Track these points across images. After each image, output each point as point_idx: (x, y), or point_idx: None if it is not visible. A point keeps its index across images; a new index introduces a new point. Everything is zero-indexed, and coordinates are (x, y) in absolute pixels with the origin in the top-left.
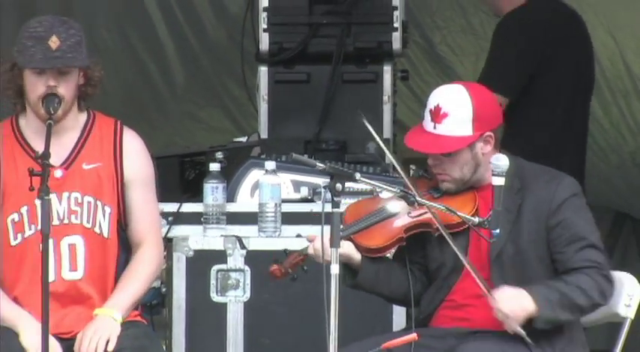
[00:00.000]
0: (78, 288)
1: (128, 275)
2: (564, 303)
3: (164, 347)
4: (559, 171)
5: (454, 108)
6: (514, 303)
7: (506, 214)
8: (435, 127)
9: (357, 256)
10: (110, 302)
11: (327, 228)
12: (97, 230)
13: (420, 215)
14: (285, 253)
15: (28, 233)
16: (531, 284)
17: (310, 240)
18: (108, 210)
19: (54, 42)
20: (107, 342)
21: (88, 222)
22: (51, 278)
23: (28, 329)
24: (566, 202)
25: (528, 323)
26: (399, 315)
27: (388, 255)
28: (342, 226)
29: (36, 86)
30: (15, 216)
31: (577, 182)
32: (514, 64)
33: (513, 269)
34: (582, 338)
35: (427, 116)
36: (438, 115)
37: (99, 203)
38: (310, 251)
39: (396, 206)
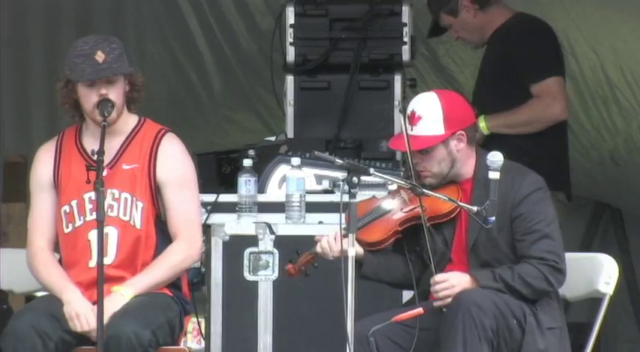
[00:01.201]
0: (106, 272)
1: (153, 262)
2: (506, 290)
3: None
4: (527, 168)
5: (426, 112)
6: (448, 291)
7: (481, 195)
8: (412, 129)
9: (360, 251)
10: (129, 281)
11: (337, 227)
12: (131, 222)
13: (412, 209)
14: (298, 253)
15: (77, 223)
16: (501, 264)
17: (317, 241)
18: (140, 204)
19: (100, 56)
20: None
21: (124, 215)
22: (92, 263)
23: (71, 300)
24: (528, 197)
25: None
26: (408, 292)
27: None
28: (344, 225)
29: (89, 96)
30: (66, 208)
31: (541, 178)
32: (551, 45)
33: (487, 254)
34: (557, 304)
35: (406, 121)
36: (413, 119)
37: (134, 199)
38: (318, 249)
39: (390, 204)
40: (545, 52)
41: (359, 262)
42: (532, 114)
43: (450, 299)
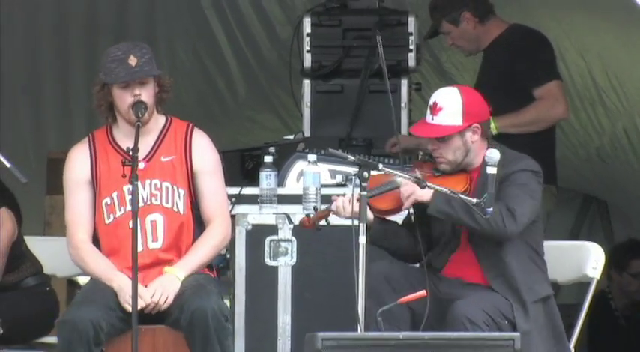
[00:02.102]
0: (157, 255)
1: (197, 244)
2: (462, 207)
3: (215, 285)
4: (526, 156)
5: (447, 104)
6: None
7: (483, 187)
8: (432, 119)
9: (370, 216)
10: (179, 263)
11: (351, 191)
12: (174, 208)
13: None
14: (315, 209)
15: (118, 213)
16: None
17: (334, 200)
18: (182, 192)
19: (132, 60)
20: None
21: (167, 202)
22: (140, 248)
23: (122, 287)
24: (516, 172)
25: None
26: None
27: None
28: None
29: (124, 98)
30: (108, 200)
31: (536, 164)
32: (550, 52)
33: None
34: (544, 279)
35: (428, 111)
36: (435, 109)
37: (175, 187)
38: (333, 207)
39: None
40: (545, 58)
41: (367, 227)
42: (537, 115)
43: (413, 198)
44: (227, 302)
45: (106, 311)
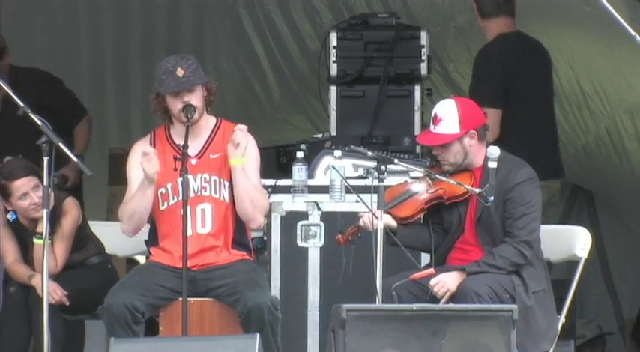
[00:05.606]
0: (205, 240)
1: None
2: (492, 269)
3: (265, 275)
4: (522, 161)
5: (445, 115)
6: (442, 285)
7: (487, 180)
8: (434, 128)
9: (394, 224)
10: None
11: (374, 205)
12: (221, 198)
13: (435, 191)
14: (346, 225)
15: (171, 202)
16: (496, 235)
17: (360, 217)
18: (227, 183)
19: (180, 72)
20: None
21: (215, 193)
22: (190, 233)
23: None
24: (518, 185)
25: None
26: (425, 258)
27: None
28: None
29: (175, 104)
30: (162, 190)
31: (533, 171)
32: (493, 82)
33: (488, 225)
34: (542, 269)
35: (430, 121)
36: (436, 120)
37: (222, 180)
38: (361, 223)
39: (418, 187)
40: (487, 82)
41: (393, 232)
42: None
43: (449, 293)
44: None
45: (140, 292)
